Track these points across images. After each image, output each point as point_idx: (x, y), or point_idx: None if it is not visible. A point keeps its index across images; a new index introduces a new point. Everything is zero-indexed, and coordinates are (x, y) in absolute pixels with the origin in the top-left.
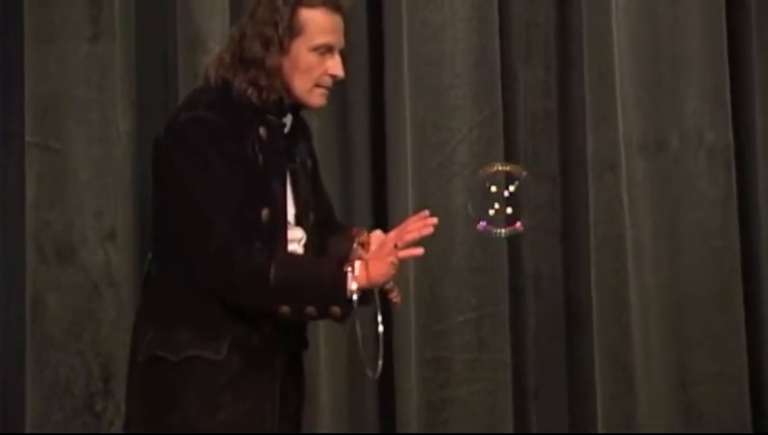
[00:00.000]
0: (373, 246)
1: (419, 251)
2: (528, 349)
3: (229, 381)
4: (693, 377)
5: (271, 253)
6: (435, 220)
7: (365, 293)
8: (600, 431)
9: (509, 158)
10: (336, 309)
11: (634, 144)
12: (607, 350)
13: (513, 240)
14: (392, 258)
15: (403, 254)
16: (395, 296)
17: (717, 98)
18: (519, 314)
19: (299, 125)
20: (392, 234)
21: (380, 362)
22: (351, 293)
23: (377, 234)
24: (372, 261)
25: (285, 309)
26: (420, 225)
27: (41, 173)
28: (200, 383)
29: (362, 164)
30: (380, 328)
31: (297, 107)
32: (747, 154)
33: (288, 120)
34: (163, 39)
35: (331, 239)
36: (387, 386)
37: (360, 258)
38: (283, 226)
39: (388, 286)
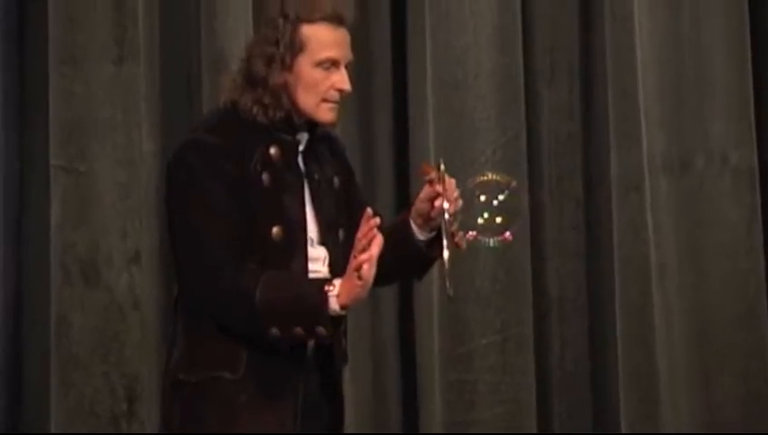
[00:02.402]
0: (448, 192)
1: (372, 251)
2: (552, 371)
3: (248, 399)
4: (718, 399)
5: (260, 274)
6: (377, 220)
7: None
8: None
9: (533, 179)
10: (321, 330)
11: (658, 165)
12: (631, 372)
13: (537, 261)
14: (356, 273)
15: (359, 259)
16: (459, 239)
17: (742, 118)
18: (543, 336)
19: (322, 142)
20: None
21: (450, 287)
22: (334, 312)
23: (449, 178)
24: (347, 281)
25: (275, 331)
26: (366, 229)
27: (66, 195)
28: (219, 403)
29: (386, 185)
30: (446, 254)
31: (313, 124)
32: None
33: (303, 137)
34: (187, 60)
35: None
36: (410, 408)
37: (434, 197)
38: (300, 243)
39: (453, 229)
